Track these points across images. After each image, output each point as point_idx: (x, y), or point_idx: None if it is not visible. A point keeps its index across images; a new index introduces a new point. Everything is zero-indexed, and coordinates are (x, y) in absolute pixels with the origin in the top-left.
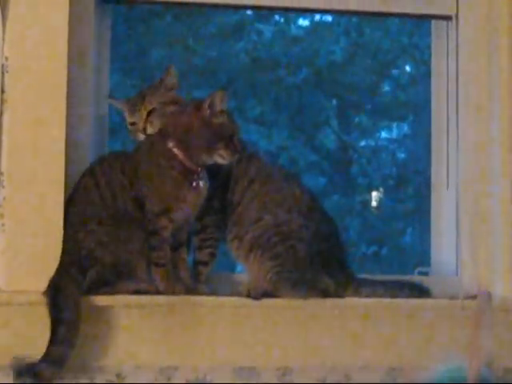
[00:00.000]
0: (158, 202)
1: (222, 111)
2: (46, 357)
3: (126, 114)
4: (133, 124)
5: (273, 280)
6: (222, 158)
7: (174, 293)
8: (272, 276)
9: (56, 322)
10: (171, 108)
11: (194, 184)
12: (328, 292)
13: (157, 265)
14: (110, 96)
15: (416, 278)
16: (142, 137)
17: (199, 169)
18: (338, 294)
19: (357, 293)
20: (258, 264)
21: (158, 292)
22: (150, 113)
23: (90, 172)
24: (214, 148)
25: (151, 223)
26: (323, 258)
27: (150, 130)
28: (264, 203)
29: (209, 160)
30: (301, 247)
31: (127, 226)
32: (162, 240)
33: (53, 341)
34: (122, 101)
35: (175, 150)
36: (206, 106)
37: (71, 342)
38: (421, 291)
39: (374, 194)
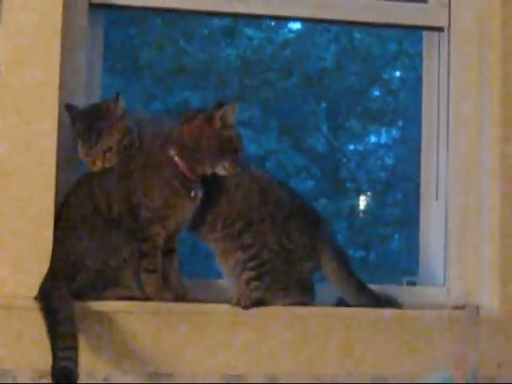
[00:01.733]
0: (153, 209)
1: (231, 124)
2: (58, 361)
3: (79, 146)
4: (88, 156)
5: (261, 288)
6: (225, 170)
7: (163, 299)
8: (259, 284)
9: (52, 326)
10: (126, 141)
11: (193, 194)
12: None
13: (148, 271)
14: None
15: (404, 287)
16: (97, 169)
17: (197, 178)
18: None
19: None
20: (242, 274)
21: (147, 299)
22: (106, 150)
23: (85, 178)
24: (220, 160)
25: (144, 229)
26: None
27: (107, 165)
28: (247, 211)
29: (210, 171)
30: (286, 253)
31: (118, 234)
32: (154, 247)
33: (55, 346)
34: (72, 127)
35: (176, 159)
36: (217, 118)
37: (74, 343)
38: (391, 305)
39: (362, 198)
